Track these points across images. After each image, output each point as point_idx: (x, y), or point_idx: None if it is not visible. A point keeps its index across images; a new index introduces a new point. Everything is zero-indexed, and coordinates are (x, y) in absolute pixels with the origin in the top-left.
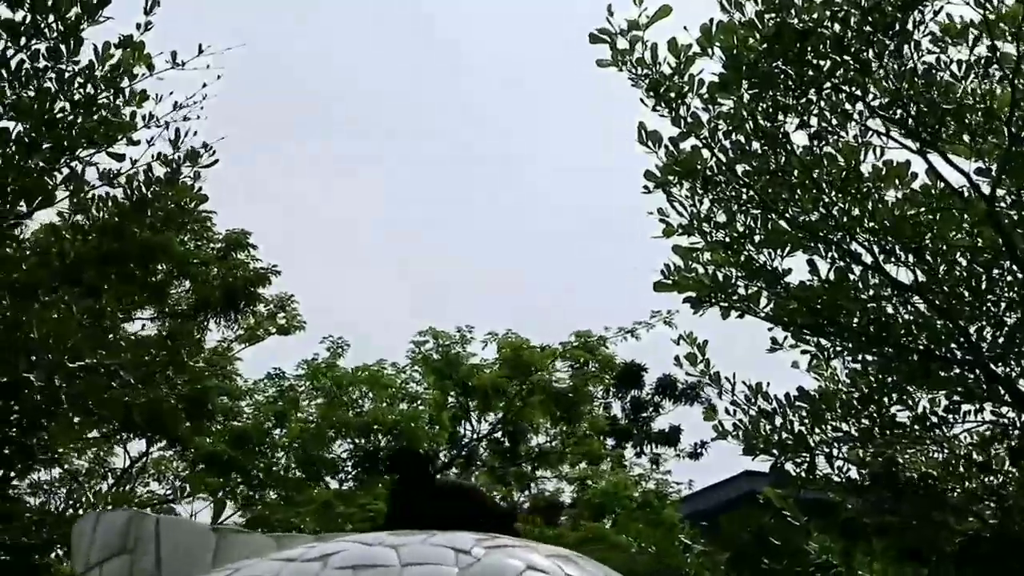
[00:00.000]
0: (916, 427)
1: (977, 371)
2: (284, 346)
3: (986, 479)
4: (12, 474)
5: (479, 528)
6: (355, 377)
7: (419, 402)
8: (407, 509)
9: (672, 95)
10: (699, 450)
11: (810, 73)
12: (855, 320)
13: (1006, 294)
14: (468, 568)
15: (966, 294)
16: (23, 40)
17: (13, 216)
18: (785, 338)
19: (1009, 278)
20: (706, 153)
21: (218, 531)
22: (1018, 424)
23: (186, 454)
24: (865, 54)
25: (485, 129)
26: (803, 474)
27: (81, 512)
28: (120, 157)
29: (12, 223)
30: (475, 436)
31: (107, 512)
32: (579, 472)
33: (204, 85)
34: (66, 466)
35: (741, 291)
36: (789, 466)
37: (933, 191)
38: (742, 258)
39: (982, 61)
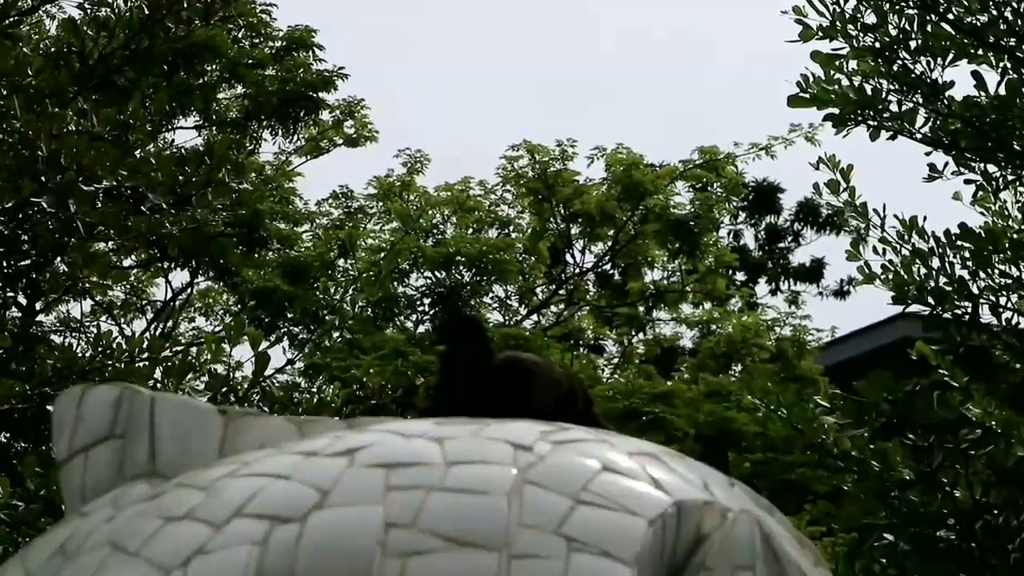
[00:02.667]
0: None
1: None
2: (352, 161)
3: None
4: (37, 306)
5: (547, 416)
6: (435, 198)
7: (511, 228)
8: (457, 390)
9: None
10: (846, 287)
11: None
12: None
13: None
14: (529, 468)
15: None
16: None
17: (15, 11)
18: (946, 164)
19: None
20: None
21: (226, 413)
22: None
23: (237, 286)
24: None
25: None
26: (964, 327)
27: (110, 365)
28: None
29: (14, 20)
30: (578, 270)
31: (92, 389)
32: (702, 315)
33: None
34: (99, 297)
35: (893, 107)
36: (947, 317)
37: None
38: (895, 67)
39: None
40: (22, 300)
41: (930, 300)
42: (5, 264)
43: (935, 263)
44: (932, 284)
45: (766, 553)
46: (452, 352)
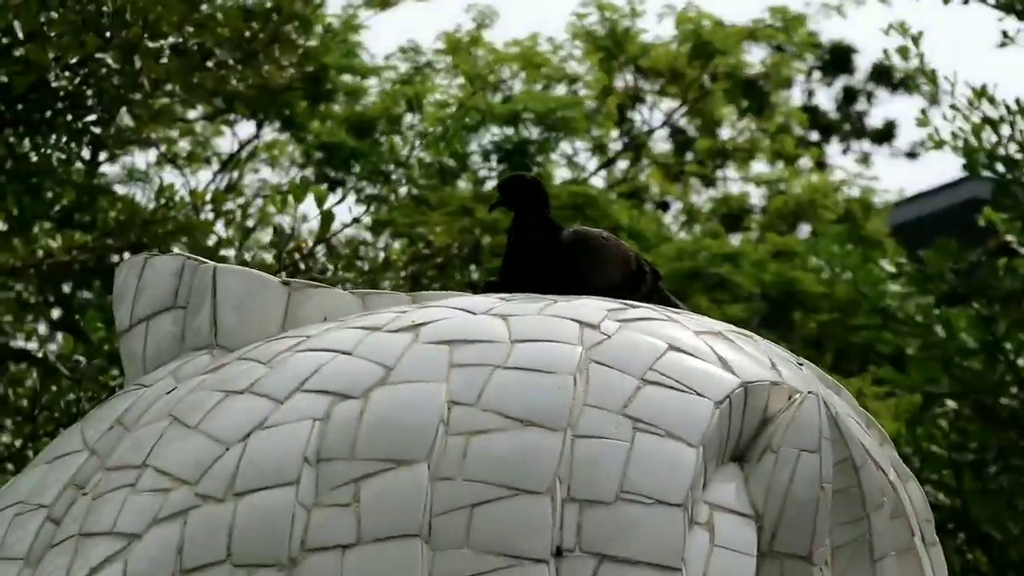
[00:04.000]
0: None
1: None
2: (420, 15)
3: None
4: (101, 157)
5: (615, 293)
6: (503, 54)
7: (580, 85)
8: (520, 264)
9: None
10: (916, 149)
11: None
12: None
13: None
14: (595, 347)
15: None
16: None
17: None
18: (1018, 31)
19: None
20: None
21: (289, 284)
22: None
23: (303, 139)
24: None
25: None
26: None
27: (172, 217)
28: None
29: None
30: (647, 128)
31: (155, 259)
32: (772, 174)
33: None
34: (163, 148)
35: None
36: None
37: None
38: None
39: None
40: (86, 155)
41: (999, 167)
42: (70, 119)
43: (1005, 130)
44: (1002, 151)
45: (832, 434)
46: (520, 221)
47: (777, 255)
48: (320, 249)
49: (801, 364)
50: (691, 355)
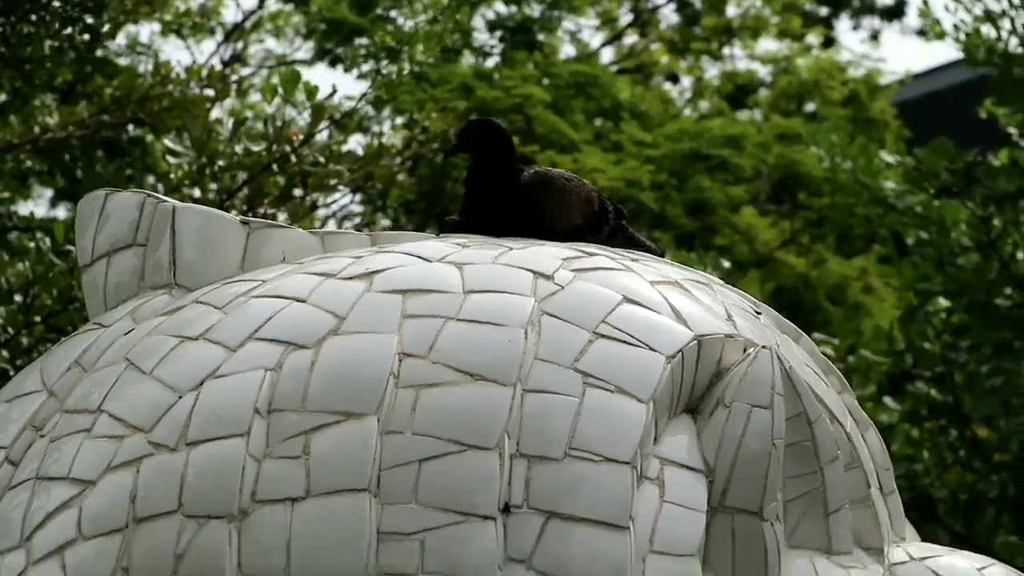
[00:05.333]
0: None
1: None
2: None
3: None
4: (104, 28)
5: (578, 236)
6: None
7: None
8: (479, 209)
9: None
10: (926, 28)
11: None
12: None
13: None
14: (548, 299)
15: None
16: None
17: None
18: None
19: None
20: None
21: (249, 224)
22: None
23: (307, 11)
24: None
25: None
26: None
27: (170, 88)
28: None
29: None
30: (652, 5)
31: (116, 194)
32: (778, 52)
33: None
34: (167, 16)
35: None
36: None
37: None
38: None
39: None
40: (82, 39)
41: (998, 62)
42: (62, 7)
43: (1006, 25)
44: (1003, 47)
45: (786, 389)
46: (479, 165)
47: (781, 137)
48: (316, 135)
49: (759, 313)
50: (645, 307)
